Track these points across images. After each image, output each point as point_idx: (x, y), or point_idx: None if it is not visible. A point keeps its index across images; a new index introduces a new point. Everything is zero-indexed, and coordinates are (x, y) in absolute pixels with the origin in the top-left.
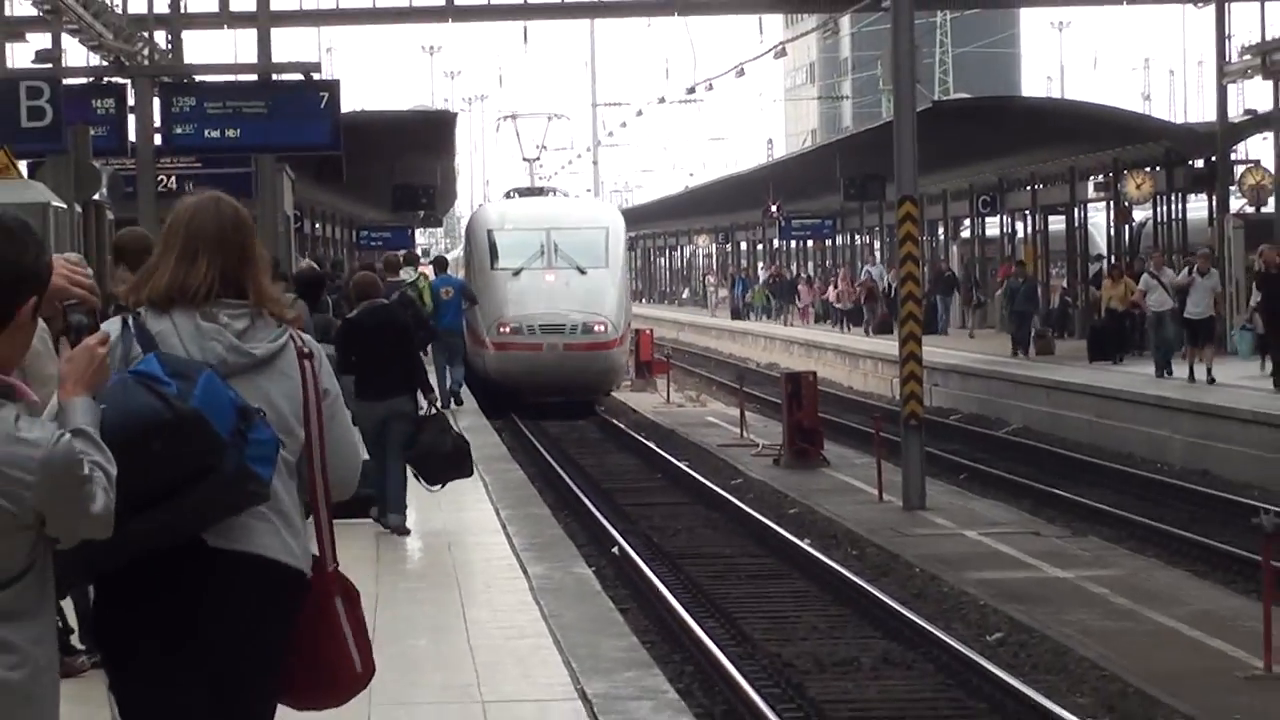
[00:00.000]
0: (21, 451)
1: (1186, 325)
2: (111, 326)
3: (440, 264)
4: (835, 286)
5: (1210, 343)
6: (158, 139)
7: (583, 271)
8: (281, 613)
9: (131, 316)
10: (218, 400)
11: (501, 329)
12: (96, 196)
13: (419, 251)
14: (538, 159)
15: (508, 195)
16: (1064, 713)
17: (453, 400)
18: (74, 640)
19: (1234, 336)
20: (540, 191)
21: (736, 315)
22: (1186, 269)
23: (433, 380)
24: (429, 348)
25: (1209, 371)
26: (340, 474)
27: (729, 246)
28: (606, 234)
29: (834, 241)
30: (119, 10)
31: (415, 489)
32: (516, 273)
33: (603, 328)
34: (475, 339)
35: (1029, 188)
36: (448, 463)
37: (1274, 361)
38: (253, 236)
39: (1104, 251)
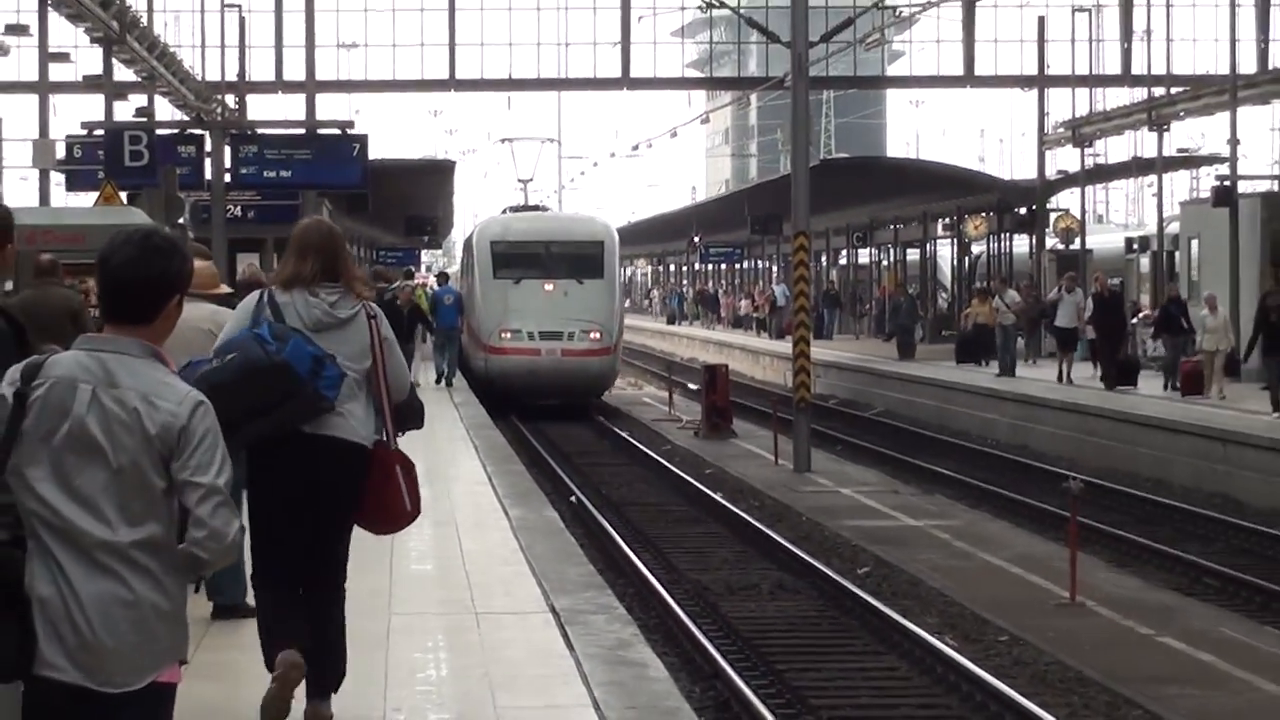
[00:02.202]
0: (172, 391)
1: (1056, 334)
2: (254, 297)
3: (443, 278)
4: (752, 300)
5: (1072, 349)
6: (227, 177)
7: (580, 282)
8: (350, 468)
9: (266, 292)
10: (299, 353)
11: (502, 334)
12: (181, 221)
13: (425, 267)
14: (531, 179)
15: (503, 212)
16: (916, 629)
17: (446, 380)
18: None
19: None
20: (534, 208)
21: (671, 320)
22: (1056, 288)
23: (429, 365)
24: (429, 337)
25: (1068, 373)
26: (396, 384)
27: (661, 268)
28: (602, 247)
29: (742, 265)
30: (199, 78)
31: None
32: (517, 281)
33: (597, 335)
34: (476, 343)
35: (892, 227)
36: (412, 417)
37: (1102, 365)
38: (342, 242)
39: (949, 276)
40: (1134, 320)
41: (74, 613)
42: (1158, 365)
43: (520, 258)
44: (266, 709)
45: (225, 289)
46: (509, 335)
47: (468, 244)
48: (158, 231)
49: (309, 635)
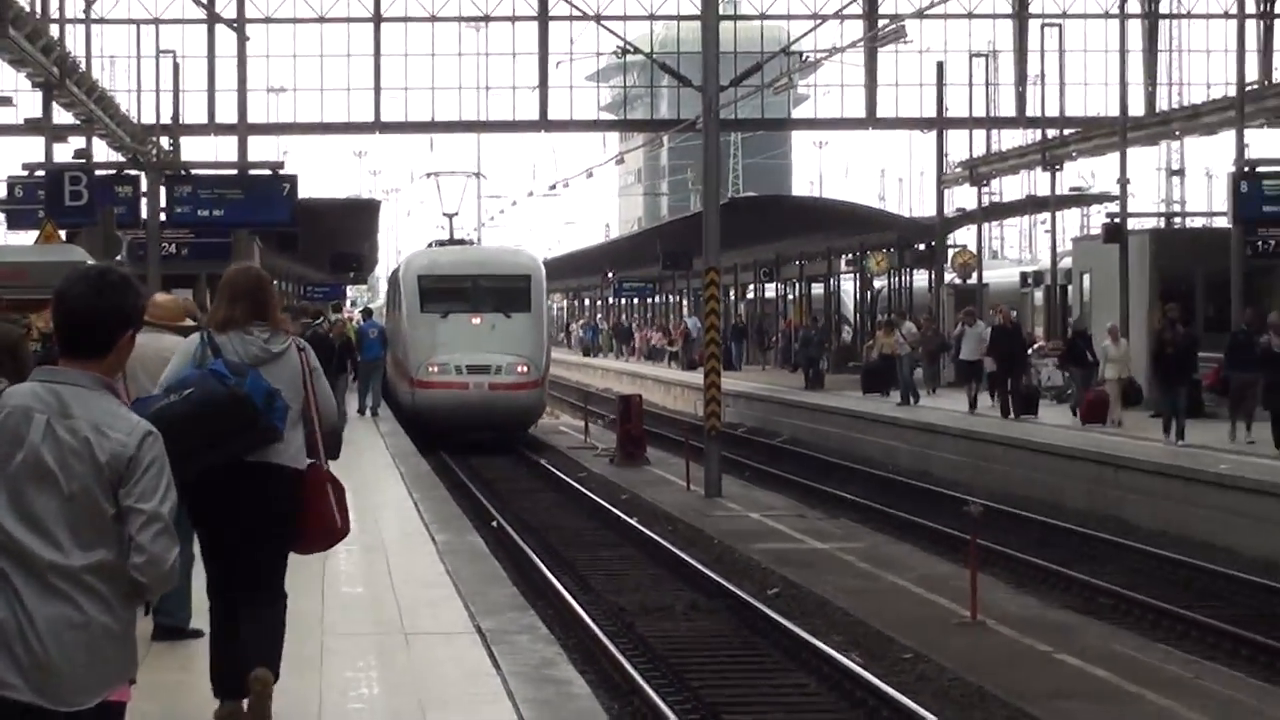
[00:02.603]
0: (122, 422)
1: (960, 367)
2: (195, 338)
3: (367, 313)
4: (666, 334)
5: (977, 380)
6: (163, 216)
7: (507, 315)
8: (286, 492)
9: (206, 333)
10: (256, 387)
11: (430, 368)
12: (118, 258)
13: (350, 302)
14: (456, 213)
15: (429, 246)
16: (824, 646)
17: (371, 410)
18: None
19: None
20: (460, 242)
21: (587, 352)
22: (958, 324)
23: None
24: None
25: (974, 402)
26: (325, 412)
27: (576, 302)
28: (529, 281)
29: (654, 300)
30: (135, 121)
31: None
32: (444, 315)
33: (525, 369)
34: (403, 377)
35: (797, 262)
36: (334, 447)
37: (1000, 395)
38: (268, 286)
39: (851, 310)
40: (1029, 351)
41: (28, 633)
42: (1052, 394)
43: (447, 291)
44: None
45: (189, 321)
46: (436, 369)
47: (394, 278)
48: (112, 269)
49: (251, 645)
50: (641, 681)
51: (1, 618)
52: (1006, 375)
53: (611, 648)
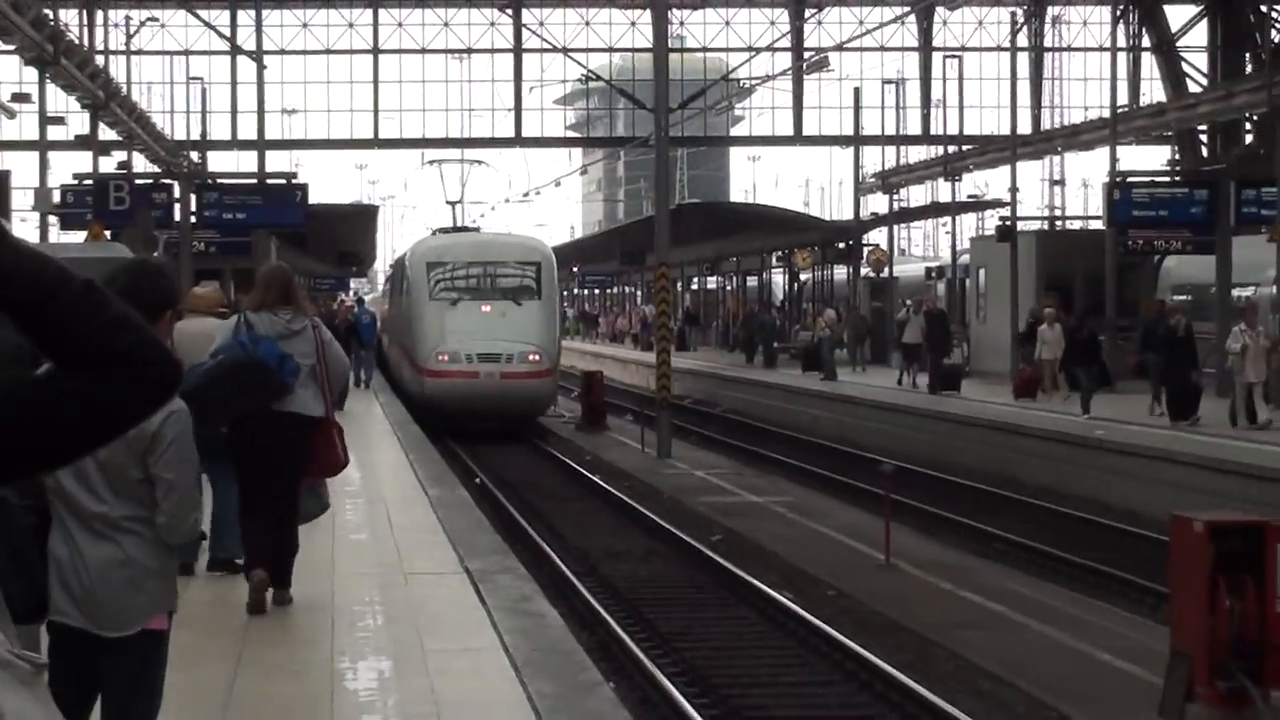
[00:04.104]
0: None
1: (902, 348)
2: (235, 318)
3: (360, 301)
4: (629, 320)
5: (917, 360)
6: (193, 218)
7: (518, 303)
8: (304, 433)
9: (243, 314)
10: (269, 352)
11: (440, 357)
12: (155, 254)
13: (353, 293)
14: (459, 201)
15: (433, 234)
16: (759, 583)
17: (364, 384)
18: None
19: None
20: (463, 230)
21: None
22: (905, 309)
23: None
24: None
25: (915, 380)
26: (336, 371)
27: None
28: (539, 268)
29: (612, 290)
30: (169, 138)
31: None
32: (454, 303)
33: (536, 357)
34: (411, 366)
35: (734, 259)
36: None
37: (930, 371)
38: (293, 279)
39: (779, 300)
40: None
41: (80, 569)
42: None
43: (457, 279)
44: (250, 607)
45: (225, 309)
46: (446, 358)
47: (398, 265)
48: (149, 260)
49: (273, 549)
50: (605, 615)
51: (60, 555)
52: (934, 354)
53: (580, 586)
